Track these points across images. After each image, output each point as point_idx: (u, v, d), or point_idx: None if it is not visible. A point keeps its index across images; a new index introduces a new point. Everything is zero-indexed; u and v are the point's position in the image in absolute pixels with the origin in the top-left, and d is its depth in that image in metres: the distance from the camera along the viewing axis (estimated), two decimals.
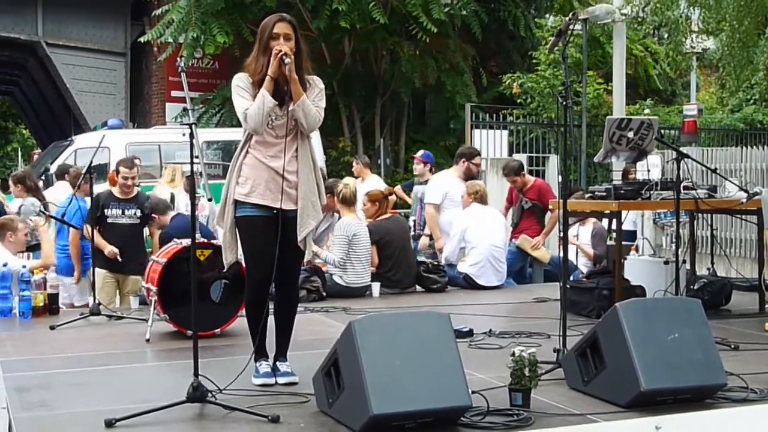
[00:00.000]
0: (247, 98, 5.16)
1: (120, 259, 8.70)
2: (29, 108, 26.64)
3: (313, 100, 5.24)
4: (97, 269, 8.47)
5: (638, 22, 17.54)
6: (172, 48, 19.48)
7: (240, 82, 5.23)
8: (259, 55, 5.21)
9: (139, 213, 8.92)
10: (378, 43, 20.12)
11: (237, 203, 5.22)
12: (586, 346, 4.96)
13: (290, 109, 5.15)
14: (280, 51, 5.05)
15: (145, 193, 9.50)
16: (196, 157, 4.69)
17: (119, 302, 8.93)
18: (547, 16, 23.81)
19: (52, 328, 7.37)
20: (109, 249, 8.63)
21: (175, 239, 7.21)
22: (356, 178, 11.99)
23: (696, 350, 4.72)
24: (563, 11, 22.11)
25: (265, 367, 5.28)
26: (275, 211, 5.18)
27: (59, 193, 10.56)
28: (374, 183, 11.70)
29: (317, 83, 5.38)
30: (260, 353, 5.33)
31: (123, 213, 8.78)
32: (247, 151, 5.24)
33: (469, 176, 10.42)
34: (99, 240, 8.56)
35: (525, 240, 10.37)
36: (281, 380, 5.21)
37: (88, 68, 23.01)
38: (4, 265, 7.98)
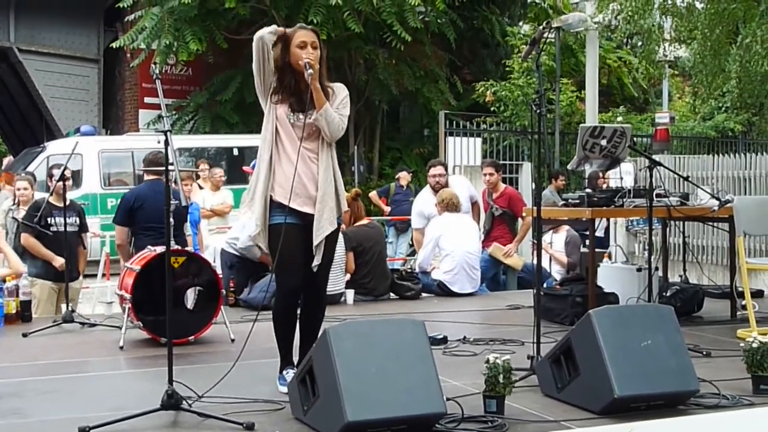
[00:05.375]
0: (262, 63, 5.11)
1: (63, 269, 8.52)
2: (0, 114, 26.40)
3: (336, 108, 5.22)
4: (41, 281, 8.48)
5: (611, 30, 17.67)
6: (145, 54, 19.43)
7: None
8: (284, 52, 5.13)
9: (78, 221, 8.90)
10: (353, 52, 20.12)
11: (273, 206, 5.11)
12: (559, 353, 4.98)
13: (313, 117, 5.13)
14: (307, 59, 5.01)
15: (78, 202, 9.53)
16: (171, 164, 4.68)
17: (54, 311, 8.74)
18: (520, 24, 23.94)
19: (24, 335, 7.31)
20: (60, 262, 8.46)
21: (149, 246, 7.18)
22: None
23: (669, 357, 4.76)
24: (537, 20, 22.23)
25: (290, 374, 5.11)
26: (305, 216, 5.14)
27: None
28: None
29: (340, 91, 5.32)
30: (288, 361, 5.27)
31: (66, 221, 8.59)
32: (275, 144, 5.16)
33: (435, 189, 10.44)
34: (44, 251, 8.55)
35: (497, 248, 10.37)
36: None
37: (61, 74, 22.81)
38: None
